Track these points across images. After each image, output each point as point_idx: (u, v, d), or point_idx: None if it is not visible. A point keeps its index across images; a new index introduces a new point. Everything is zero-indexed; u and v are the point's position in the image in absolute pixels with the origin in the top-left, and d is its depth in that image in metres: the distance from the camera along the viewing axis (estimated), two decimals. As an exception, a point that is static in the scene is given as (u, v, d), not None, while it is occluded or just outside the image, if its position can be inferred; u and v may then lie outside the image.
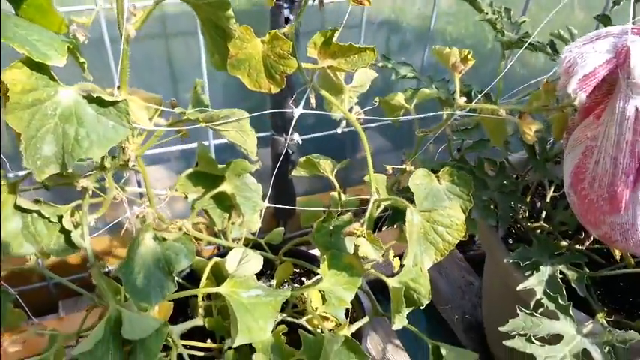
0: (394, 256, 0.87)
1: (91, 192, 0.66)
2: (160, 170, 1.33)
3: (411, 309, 0.79)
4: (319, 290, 0.72)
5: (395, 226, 0.81)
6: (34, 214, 0.59)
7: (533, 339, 0.63)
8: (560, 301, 0.67)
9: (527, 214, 0.94)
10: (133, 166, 0.64)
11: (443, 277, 1.26)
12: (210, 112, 0.60)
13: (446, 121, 0.73)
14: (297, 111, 0.64)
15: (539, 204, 1.00)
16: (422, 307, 0.77)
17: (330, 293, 0.71)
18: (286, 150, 1.09)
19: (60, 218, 0.66)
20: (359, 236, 0.60)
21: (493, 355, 1.10)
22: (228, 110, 0.62)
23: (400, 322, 0.75)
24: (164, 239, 0.63)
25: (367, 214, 0.63)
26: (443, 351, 0.73)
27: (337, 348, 0.61)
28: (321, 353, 0.62)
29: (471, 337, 1.13)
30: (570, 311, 0.66)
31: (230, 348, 0.72)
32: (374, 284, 1.18)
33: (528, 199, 0.97)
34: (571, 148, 0.68)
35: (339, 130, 0.68)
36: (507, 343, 0.63)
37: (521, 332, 0.64)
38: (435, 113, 0.73)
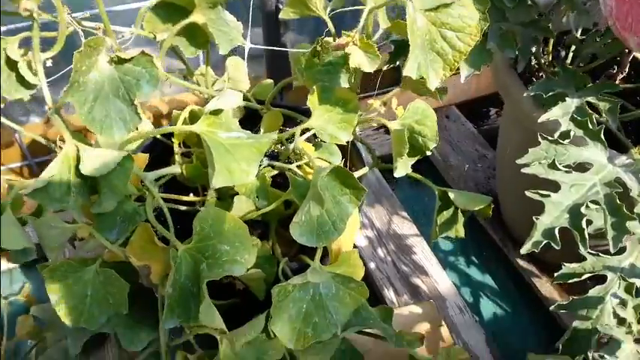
0: (397, 106, 0.77)
1: (38, 18, 0.56)
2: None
3: (415, 158, 0.70)
4: (309, 128, 0.63)
5: (397, 63, 0.70)
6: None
7: (557, 164, 0.53)
8: (590, 126, 0.57)
9: (550, 58, 0.82)
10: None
11: (455, 151, 1.17)
12: None
13: None
14: None
15: (563, 53, 0.88)
16: (429, 154, 0.68)
17: (322, 131, 0.62)
18: (276, 6, 0.97)
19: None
20: (352, 45, 0.50)
21: (508, 227, 1.03)
22: None
23: (403, 168, 0.66)
24: (120, 61, 0.53)
25: (361, 23, 0.52)
26: (451, 195, 0.65)
27: (327, 180, 0.53)
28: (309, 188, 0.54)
29: (483, 209, 1.06)
30: (602, 136, 0.56)
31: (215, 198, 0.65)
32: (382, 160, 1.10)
33: (551, 48, 0.85)
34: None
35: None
36: (526, 170, 0.54)
37: (543, 161, 0.55)
38: None
